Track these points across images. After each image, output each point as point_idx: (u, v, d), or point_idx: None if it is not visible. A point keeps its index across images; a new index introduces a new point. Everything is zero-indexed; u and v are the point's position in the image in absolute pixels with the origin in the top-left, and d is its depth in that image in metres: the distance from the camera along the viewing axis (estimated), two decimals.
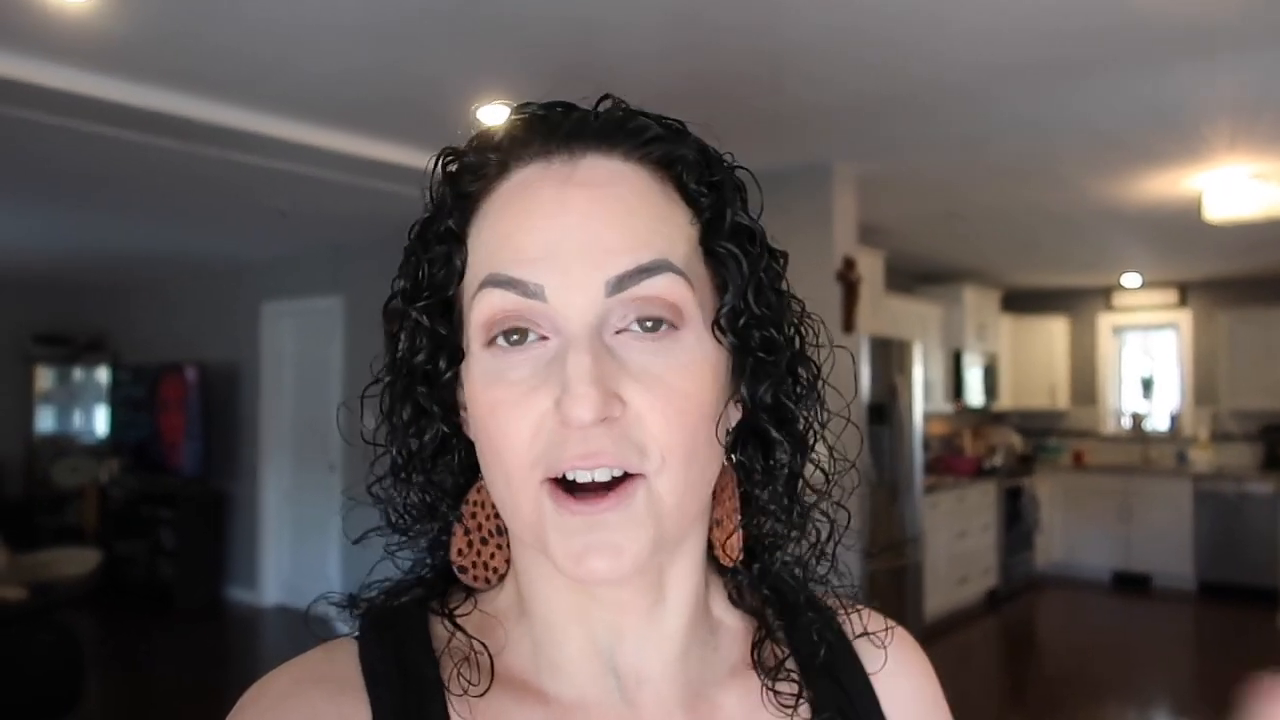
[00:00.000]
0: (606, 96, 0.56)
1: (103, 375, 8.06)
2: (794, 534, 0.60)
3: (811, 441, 0.60)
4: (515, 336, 0.51)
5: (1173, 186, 4.65)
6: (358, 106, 3.49)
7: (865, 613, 0.66)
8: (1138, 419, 8.33)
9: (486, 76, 3.19)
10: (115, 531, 7.03)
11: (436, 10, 2.65)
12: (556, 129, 0.54)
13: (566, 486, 0.49)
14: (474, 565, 0.59)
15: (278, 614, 6.58)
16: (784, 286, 0.58)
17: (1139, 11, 2.69)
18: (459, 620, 0.56)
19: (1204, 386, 7.88)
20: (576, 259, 0.50)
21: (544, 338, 0.51)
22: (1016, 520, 7.28)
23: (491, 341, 0.51)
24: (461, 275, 0.54)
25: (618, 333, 0.51)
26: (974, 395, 7.62)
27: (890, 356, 5.11)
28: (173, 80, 3.15)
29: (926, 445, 6.29)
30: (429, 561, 0.61)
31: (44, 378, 8.35)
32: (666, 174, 0.54)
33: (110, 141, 3.60)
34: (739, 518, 0.59)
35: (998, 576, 7.03)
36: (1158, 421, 8.31)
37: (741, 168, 0.58)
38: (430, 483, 0.58)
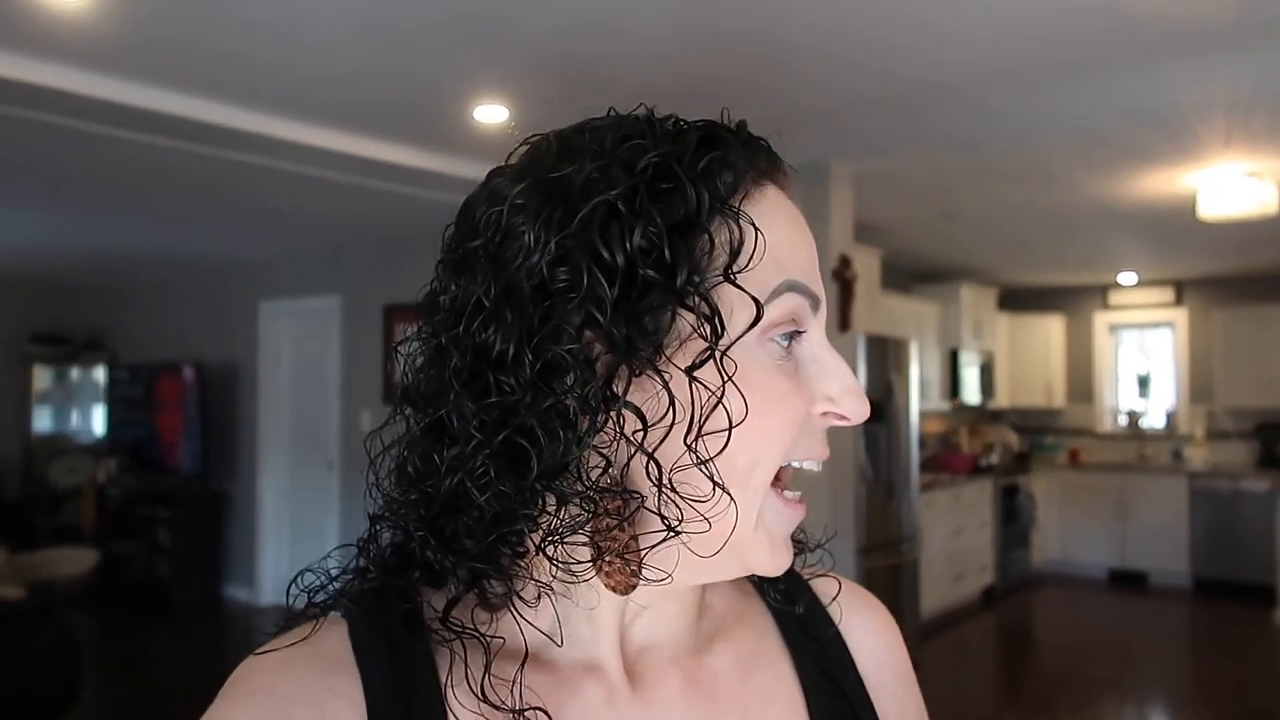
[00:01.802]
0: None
1: (100, 375, 8.07)
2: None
3: None
4: (788, 341, 0.54)
5: (1167, 185, 4.67)
6: (356, 106, 3.50)
7: (834, 578, 0.71)
8: (1134, 417, 8.36)
9: (485, 78, 3.20)
10: (113, 531, 7.03)
11: (436, 12, 2.66)
12: (780, 163, 0.58)
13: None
14: (616, 574, 0.52)
15: (275, 613, 6.57)
16: None
17: (1133, 11, 2.70)
18: (453, 594, 0.55)
19: (1200, 384, 7.90)
20: (821, 284, 0.57)
21: (791, 350, 0.55)
22: (1013, 518, 7.30)
23: (769, 335, 0.53)
24: (749, 259, 0.51)
25: None
26: (970, 393, 7.63)
27: (887, 355, 5.12)
28: (170, 79, 3.16)
29: (923, 443, 6.31)
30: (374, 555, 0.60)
31: (41, 377, 8.35)
32: None
33: (108, 141, 3.61)
34: None
35: (994, 574, 7.04)
36: (1154, 419, 8.33)
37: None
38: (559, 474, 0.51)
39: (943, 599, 6.24)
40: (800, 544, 0.65)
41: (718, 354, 0.49)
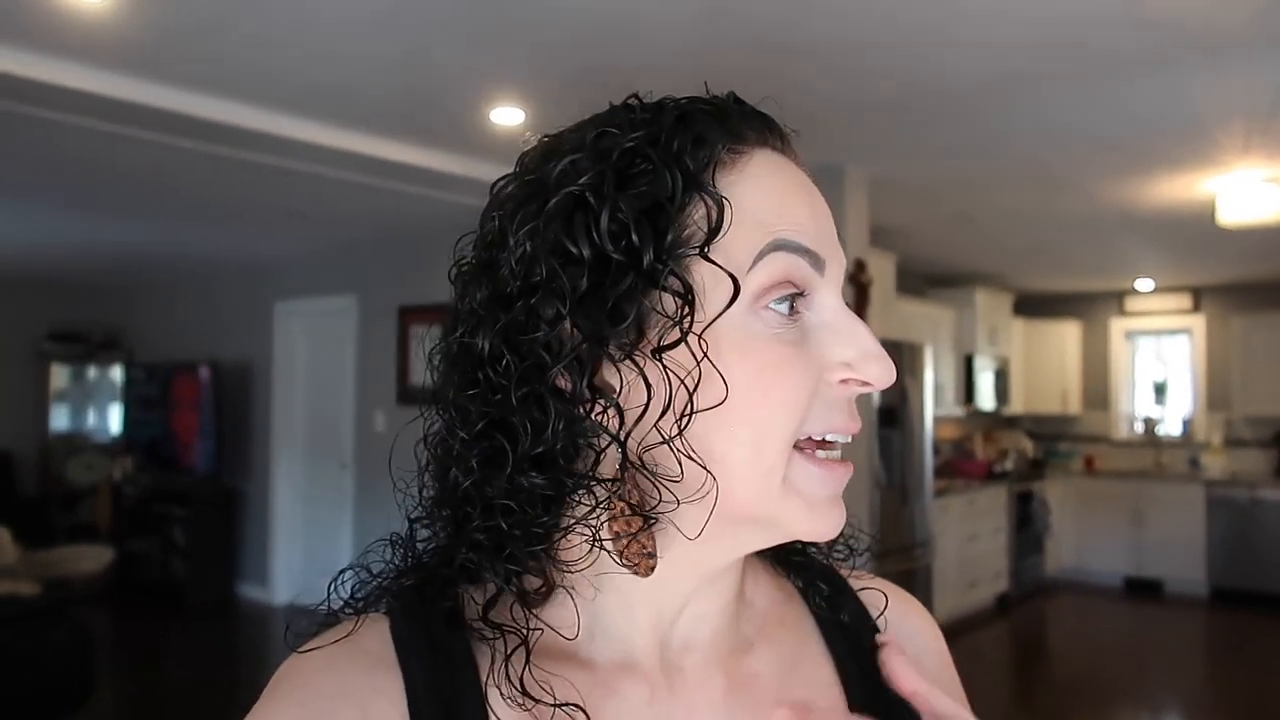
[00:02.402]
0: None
1: (117, 374, 8.13)
2: None
3: None
4: (792, 307, 0.52)
5: (1186, 190, 4.64)
6: (373, 108, 3.51)
7: (868, 576, 0.71)
8: (1150, 424, 8.30)
9: (501, 80, 3.20)
10: (128, 529, 7.08)
11: (452, 13, 2.67)
12: (787, 135, 0.58)
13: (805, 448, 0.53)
14: (634, 556, 0.52)
15: (289, 612, 6.61)
16: None
17: (1151, 16, 2.69)
18: (492, 592, 0.55)
19: (1217, 392, 7.84)
20: (835, 241, 0.55)
21: (797, 312, 0.53)
22: (1027, 524, 7.26)
23: (761, 302, 0.51)
24: (717, 230, 0.50)
25: None
26: (985, 399, 7.59)
27: (901, 359, 5.10)
28: (189, 81, 3.18)
29: (937, 449, 6.28)
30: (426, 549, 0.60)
31: (59, 376, 8.42)
32: None
33: (128, 141, 3.63)
34: None
35: (1008, 581, 7.00)
36: (1170, 427, 8.26)
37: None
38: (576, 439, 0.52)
39: (956, 605, 6.21)
40: (849, 549, 0.67)
41: (693, 333, 0.49)
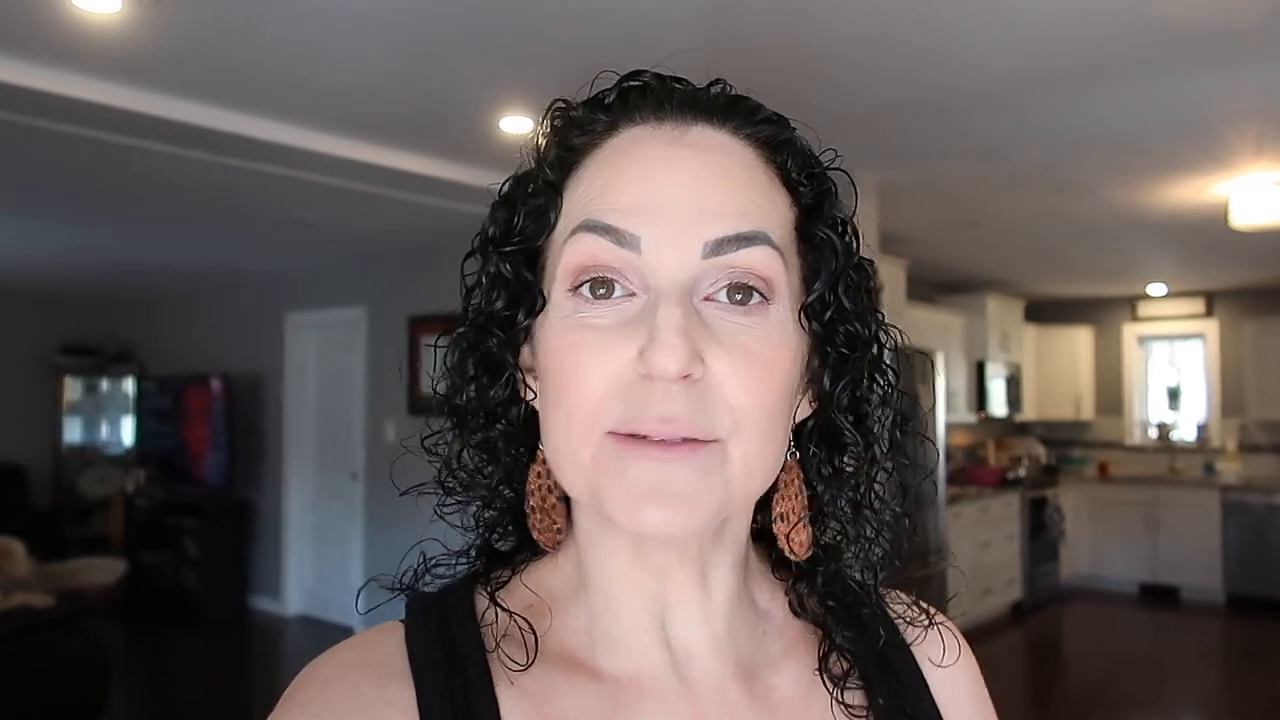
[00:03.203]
0: (718, 81, 0.57)
1: (129, 386, 8.16)
2: (860, 540, 0.60)
3: (884, 450, 0.60)
4: (602, 289, 0.51)
5: (1198, 194, 4.61)
6: (382, 118, 3.52)
7: (907, 597, 0.67)
8: (1164, 430, 8.24)
9: (510, 88, 3.21)
10: (141, 541, 7.09)
11: (461, 23, 2.68)
12: (670, 95, 0.55)
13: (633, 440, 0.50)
14: (540, 531, 0.58)
15: (300, 623, 6.62)
16: (873, 292, 0.60)
17: (1163, 17, 2.67)
18: (508, 600, 0.56)
19: (1231, 397, 7.78)
20: (676, 216, 0.50)
21: (631, 294, 0.50)
22: (1041, 531, 7.21)
23: (576, 289, 0.51)
24: (553, 227, 0.54)
25: (705, 299, 0.51)
26: (997, 406, 7.56)
27: (912, 367, 5.07)
28: (198, 91, 3.19)
29: (949, 456, 6.25)
30: (475, 542, 0.61)
31: (71, 389, 8.45)
32: (772, 156, 0.55)
33: (138, 153, 3.65)
34: (806, 514, 0.58)
35: (1022, 588, 6.95)
36: (1184, 432, 8.21)
37: (841, 170, 0.59)
38: (490, 440, 0.58)
39: (970, 613, 6.17)
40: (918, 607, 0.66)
41: (515, 328, 0.55)
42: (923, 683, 0.63)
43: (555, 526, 0.56)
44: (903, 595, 0.67)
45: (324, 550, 6.68)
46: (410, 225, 5.12)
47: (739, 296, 0.51)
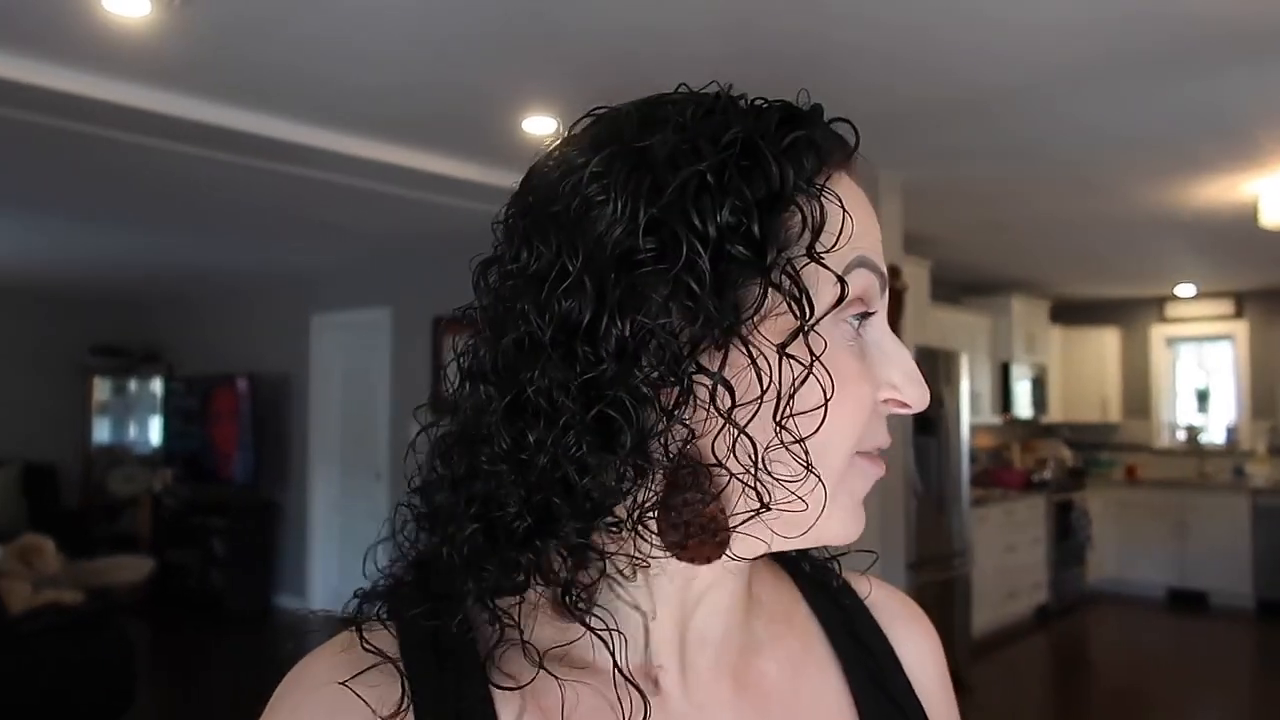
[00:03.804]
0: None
1: (157, 387, 8.25)
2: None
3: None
4: (859, 323, 0.54)
5: (1228, 192, 4.55)
6: (407, 119, 3.54)
7: (876, 582, 0.70)
8: (1193, 432, 8.14)
9: (533, 89, 3.22)
10: (168, 540, 7.17)
11: (484, 25, 2.69)
12: (850, 150, 0.57)
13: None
14: (701, 548, 0.51)
15: (325, 622, 6.64)
16: None
17: (1192, 14, 2.64)
18: (496, 598, 0.53)
19: (1262, 399, 7.68)
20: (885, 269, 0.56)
21: (862, 328, 0.55)
22: (1067, 535, 7.14)
23: (841, 316, 0.53)
24: (836, 236, 0.51)
25: None
26: (1022, 407, 7.50)
27: (936, 367, 5.05)
28: (225, 94, 3.23)
29: (974, 458, 6.20)
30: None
31: (101, 389, 8.56)
32: None
33: (164, 155, 3.70)
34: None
35: (1048, 592, 6.89)
36: (1214, 435, 8.10)
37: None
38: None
39: (995, 617, 6.12)
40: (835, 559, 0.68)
41: (805, 331, 0.49)
42: (895, 662, 0.65)
43: (718, 541, 0.51)
44: (870, 578, 0.70)
45: (348, 549, 6.72)
46: (434, 226, 5.15)
47: None
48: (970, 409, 5.70)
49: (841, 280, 0.51)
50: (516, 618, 0.53)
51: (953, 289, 7.24)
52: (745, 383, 0.48)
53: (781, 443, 0.49)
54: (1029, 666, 6.04)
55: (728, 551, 0.51)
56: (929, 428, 5.04)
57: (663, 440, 0.49)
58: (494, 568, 0.52)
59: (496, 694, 0.52)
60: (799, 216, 0.50)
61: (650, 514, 0.50)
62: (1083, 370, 8.24)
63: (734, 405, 0.48)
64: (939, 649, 0.70)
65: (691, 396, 0.48)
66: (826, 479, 0.51)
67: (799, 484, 0.50)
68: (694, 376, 0.48)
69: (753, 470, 0.49)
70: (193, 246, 6.00)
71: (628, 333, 0.48)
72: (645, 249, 0.48)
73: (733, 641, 0.59)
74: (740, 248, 0.48)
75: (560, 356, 0.48)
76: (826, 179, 0.52)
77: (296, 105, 3.35)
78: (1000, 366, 7.32)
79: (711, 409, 0.48)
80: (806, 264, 0.50)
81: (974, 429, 6.33)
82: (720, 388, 0.48)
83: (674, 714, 0.55)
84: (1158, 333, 8.28)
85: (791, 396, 0.49)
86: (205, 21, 2.64)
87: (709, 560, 0.51)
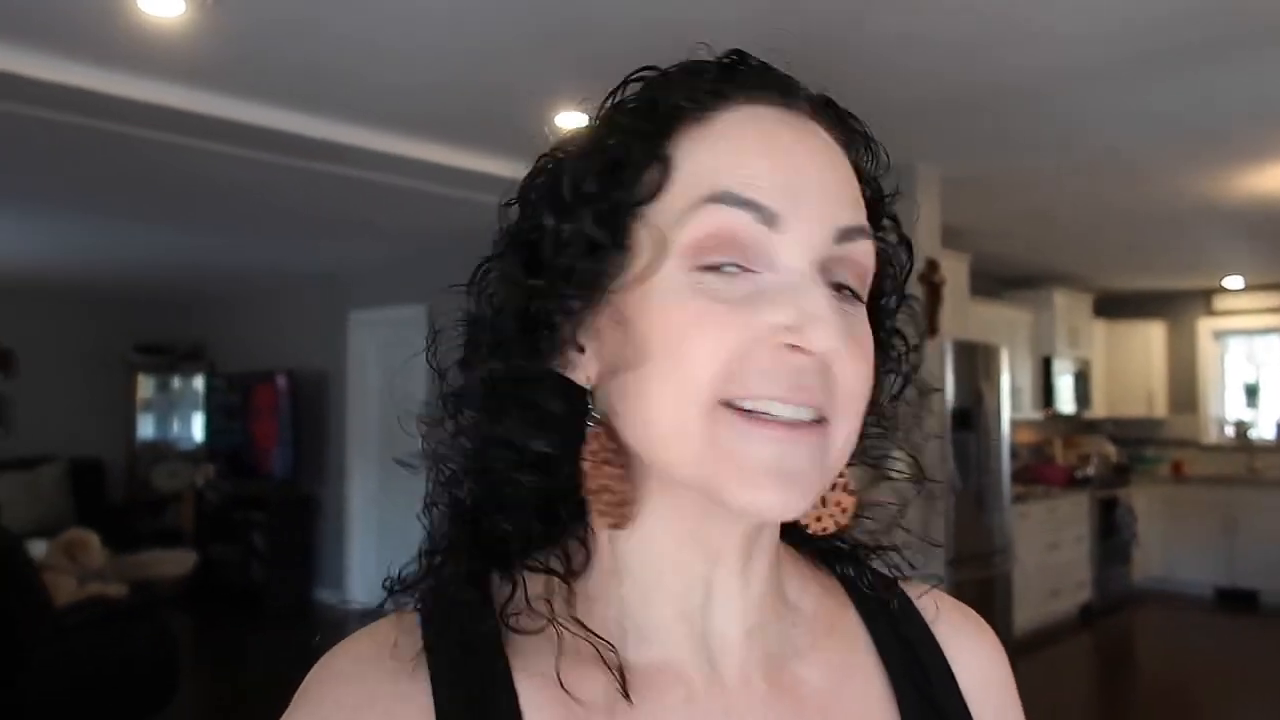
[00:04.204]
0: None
1: (199, 384, 8.38)
2: (878, 507, 0.62)
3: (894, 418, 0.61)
4: (728, 263, 0.49)
5: (1277, 181, 4.43)
6: (442, 117, 3.55)
7: (939, 595, 0.66)
8: (1242, 428, 7.95)
9: (566, 85, 3.21)
10: (210, 534, 7.28)
11: (518, 21, 2.68)
12: (794, 87, 0.55)
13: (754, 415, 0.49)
14: (610, 509, 0.53)
15: (363, 617, 6.71)
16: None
17: None
18: (530, 587, 0.54)
19: None
20: (814, 199, 0.50)
21: (749, 271, 0.49)
22: (1112, 532, 7.01)
23: (696, 258, 0.49)
24: (656, 189, 0.51)
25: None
26: (1065, 403, 7.37)
27: (975, 362, 4.97)
28: (261, 93, 3.25)
29: (1014, 453, 6.11)
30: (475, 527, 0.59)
31: (145, 386, 8.71)
32: (849, 154, 0.56)
33: (203, 155, 3.74)
34: (849, 487, 0.58)
35: (1092, 591, 6.77)
36: (1263, 430, 7.91)
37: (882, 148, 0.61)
38: (530, 418, 0.55)
39: (1037, 615, 6.02)
40: (908, 564, 0.64)
41: (612, 290, 0.51)
42: (950, 677, 0.62)
43: (625, 506, 0.53)
44: (935, 591, 0.66)
45: (386, 544, 6.78)
46: (468, 223, 5.15)
47: (843, 290, 0.51)
48: (1011, 404, 5.61)
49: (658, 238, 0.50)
50: (543, 607, 0.53)
51: (993, 282, 7.13)
52: (618, 342, 0.51)
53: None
54: (1072, 667, 5.94)
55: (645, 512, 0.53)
56: (968, 423, 4.97)
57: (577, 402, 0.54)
58: (517, 543, 0.55)
59: (521, 683, 0.51)
60: (648, 177, 0.51)
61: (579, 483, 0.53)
62: (1127, 365, 8.09)
63: (604, 368, 0.52)
64: (1003, 666, 0.66)
65: (573, 362, 0.54)
66: (687, 432, 0.48)
67: (658, 432, 0.50)
68: (569, 340, 0.53)
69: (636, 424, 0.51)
70: (232, 246, 6.07)
71: (531, 310, 0.54)
72: (528, 235, 0.54)
73: (759, 645, 0.57)
74: (568, 223, 0.52)
75: (489, 341, 0.57)
76: (670, 127, 0.52)
77: (331, 103, 3.37)
78: (1042, 361, 7.20)
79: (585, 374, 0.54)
80: (633, 222, 0.51)
81: (1015, 424, 6.23)
82: (592, 354, 0.53)
83: (700, 715, 0.54)
84: (1205, 326, 8.09)
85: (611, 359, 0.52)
86: (240, 20, 2.66)
87: (617, 524, 0.53)
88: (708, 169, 0.50)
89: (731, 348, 0.48)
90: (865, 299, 0.53)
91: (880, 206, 0.58)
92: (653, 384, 0.49)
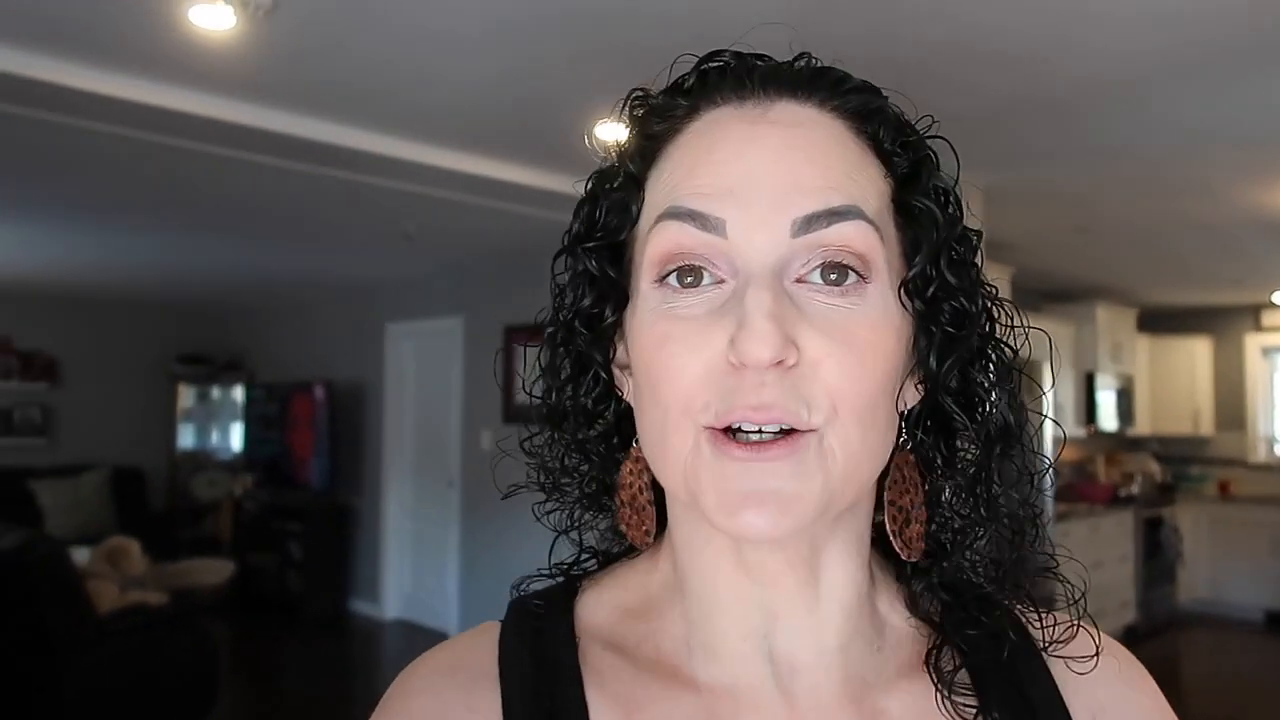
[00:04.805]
0: (803, 55, 0.56)
1: (239, 394, 8.48)
2: (979, 534, 0.56)
3: (999, 433, 0.55)
4: (689, 278, 0.48)
5: None
6: (482, 128, 3.57)
7: (1063, 620, 0.60)
8: None
9: (605, 97, 3.20)
10: (248, 543, 7.34)
11: (557, 32, 2.68)
12: (751, 71, 0.54)
13: (728, 436, 0.47)
14: (630, 528, 0.56)
15: (398, 627, 6.74)
16: (978, 264, 0.55)
17: None
18: (609, 602, 0.55)
19: None
20: (763, 195, 0.48)
21: (720, 281, 0.48)
22: (1157, 552, 6.86)
23: (663, 279, 0.49)
24: (636, 220, 0.53)
25: (798, 281, 0.48)
26: (1107, 419, 7.24)
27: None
28: (308, 106, 3.28)
29: (1056, 471, 5.99)
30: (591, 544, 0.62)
31: (186, 396, 8.82)
32: (862, 127, 0.52)
33: (247, 166, 3.78)
34: (924, 510, 0.54)
35: (1136, 612, 6.63)
36: None
37: (940, 137, 0.56)
38: (586, 440, 0.57)
39: None
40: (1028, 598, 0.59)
41: (623, 325, 0.54)
42: (1061, 710, 0.56)
43: (644, 527, 0.54)
44: (1059, 615, 0.60)
45: (421, 556, 6.80)
46: (506, 235, 5.18)
47: (834, 276, 0.48)
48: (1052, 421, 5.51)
49: (607, 271, 0.54)
50: (620, 622, 0.54)
51: (1034, 296, 7.03)
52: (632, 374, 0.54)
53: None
54: None
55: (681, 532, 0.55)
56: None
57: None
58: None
59: (593, 702, 0.51)
60: (594, 210, 0.55)
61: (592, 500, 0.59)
62: (1172, 381, 7.93)
63: (598, 387, 0.57)
64: (1144, 702, 0.59)
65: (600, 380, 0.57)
66: (671, 457, 0.48)
67: (652, 454, 0.51)
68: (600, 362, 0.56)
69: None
70: (273, 258, 6.14)
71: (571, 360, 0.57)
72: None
73: (837, 670, 0.53)
74: (593, 268, 0.55)
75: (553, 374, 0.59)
76: (652, 157, 0.53)
77: (374, 115, 3.40)
78: (1084, 376, 7.08)
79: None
80: (596, 250, 0.54)
81: (1056, 441, 6.12)
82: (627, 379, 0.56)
83: None
84: (1253, 342, 7.92)
85: (615, 388, 0.56)
86: (289, 34, 2.69)
87: (641, 539, 0.55)
88: (665, 186, 0.51)
89: (695, 371, 0.47)
90: (875, 278, 0.49)
91: (919, 176, 0.53)
92: (643, 408, 0.50)
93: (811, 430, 0.46)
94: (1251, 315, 7.91)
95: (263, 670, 5.95)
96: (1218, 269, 6.44)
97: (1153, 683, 0.61)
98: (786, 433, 0.46)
